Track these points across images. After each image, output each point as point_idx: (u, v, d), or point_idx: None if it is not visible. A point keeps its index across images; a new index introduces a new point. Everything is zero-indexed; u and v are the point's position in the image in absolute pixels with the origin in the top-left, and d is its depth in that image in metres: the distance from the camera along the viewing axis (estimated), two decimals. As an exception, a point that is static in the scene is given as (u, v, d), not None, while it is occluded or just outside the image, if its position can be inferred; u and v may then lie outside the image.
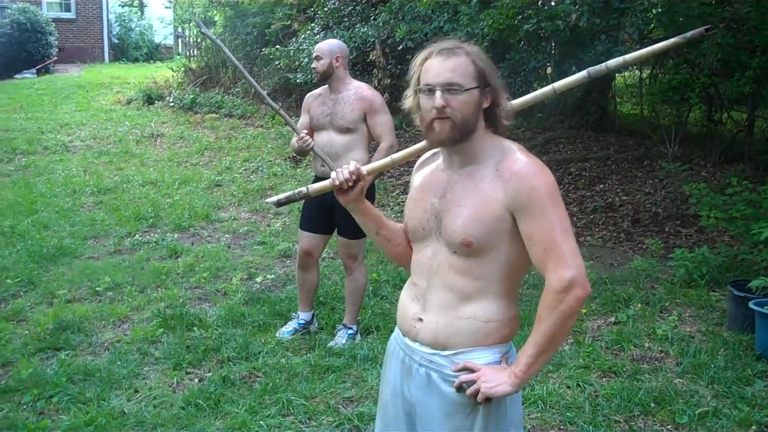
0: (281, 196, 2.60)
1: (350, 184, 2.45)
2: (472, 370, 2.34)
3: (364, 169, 2.51)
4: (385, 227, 2.61)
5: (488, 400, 2.31)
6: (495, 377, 2.31)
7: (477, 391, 2.30)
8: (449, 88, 2.28)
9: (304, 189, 2.57)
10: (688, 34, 2.48)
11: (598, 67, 2.52)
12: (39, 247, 7.34)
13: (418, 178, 2.56)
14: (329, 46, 5.32)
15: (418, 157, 2.62)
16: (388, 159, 2.64)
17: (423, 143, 2.52)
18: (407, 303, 2.51)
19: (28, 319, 5.79)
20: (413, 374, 2.46)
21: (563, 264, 2.23)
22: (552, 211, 2.26)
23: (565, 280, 2.22)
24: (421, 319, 2.43)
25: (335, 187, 2.47)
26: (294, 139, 5.30)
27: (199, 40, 19.14)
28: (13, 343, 5.31)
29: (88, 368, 4.86)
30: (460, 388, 2.34)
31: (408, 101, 2.43)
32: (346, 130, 5.24)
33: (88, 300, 6.21)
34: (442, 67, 2.30)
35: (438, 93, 2.27)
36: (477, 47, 2.40)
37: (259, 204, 9.28)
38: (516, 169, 2.29)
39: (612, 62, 2.52)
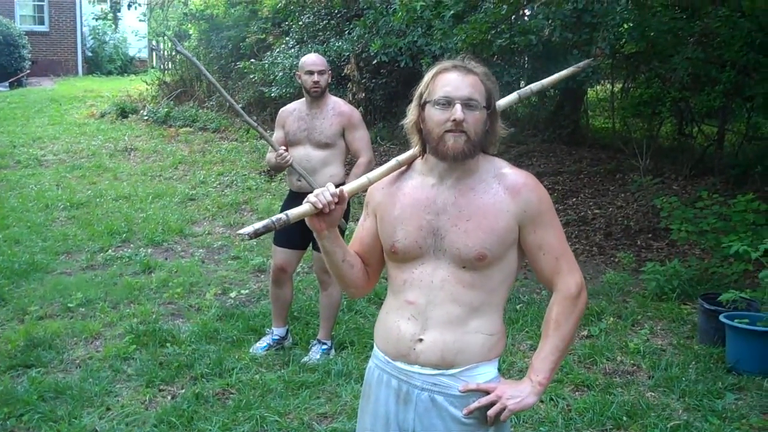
0: (258, 225, 2.27)
1: (332, 207, 2.34)
2: (486, 392, 2.34)
3: (345, 189, 2.40)
4: (348, 252, 2.52)
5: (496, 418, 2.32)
6: (517, 391, 2.33)
7: (501, 411, 2.30)
8: (468, 103, 2.29)
9: (283, 216, 2.31)
10: (581, 64, 3.02)
11: (524, 89, 2.82)
12: (10, 262, 7.27)
13: (388, 197, 2.48)
14: (325, 61, 5.37)
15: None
16: (364, 179, 2.51)
17: (393, 162, 2.51)
18: (400, 325, 2.41)
19: (-2, 336, 5.74)
20: (413, 400, 2.40)
21: (573, 270, 2.40)
22: (556, 221, 2.41)
23: (578, 284, 2.39)
24: (421, 340, 2.37)
25: (314, 211, 2.32)
26: (271, 155, 5.28)
27: (173, 53, 19.10)
28: (-17, 361, 5.26)
29: (59, 386, 4.82)
30: (471, 412, 2.33)
31: (411, 114, 2.42)
32: (324, 146, 5.25)
33: (60, 316, 6.15)
34: (462, 82, 2.31)
35: (458, 106, 2.27)
36: (485, 68, 2.40)
37: (233, 219, 9.26)
38: (521, 182, 2.36)
39: (534, 85, 2.85)
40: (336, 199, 2.33)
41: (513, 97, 2.72)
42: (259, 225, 2.26)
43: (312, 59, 5.32)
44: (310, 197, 2.32)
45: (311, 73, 5.20)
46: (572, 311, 2.38)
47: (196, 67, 5.29)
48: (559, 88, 11.59)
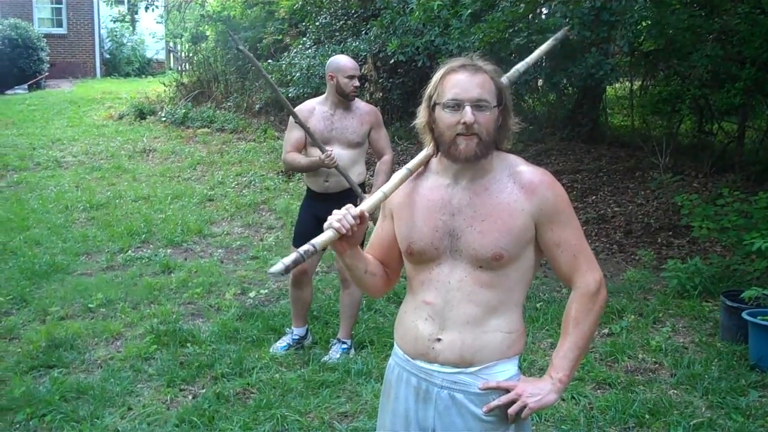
0: (287, 260, 2.22)
1: (355, 229, 2.31)
2: (506, 390, 2.33)
3: (365, 209, 2.37)
4: (370, 263, 2.52)
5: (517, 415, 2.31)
6: (537, 389, 2.32)
7: (521, 409, 2.29)
8: (478, 104, 2.27)
9: (309, 247, 2.26)
10: (558, 34, 2.98)
11: (511, 72, 2.75)
12: (31, 263, 7.31)
13: (404, 199, 2.46)
14: None
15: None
16: (380, 193, 2.46)
17: (404, 171, 2.48)
18: (418, 325, 2.40)
19: (20, 337, 5.76)
20: (432, 398, 2.39)
21: (590, 267, 2.39)
22: (574, 218, 2.38)
23: (597, 281, 2.38)
24: (440, 339, 2.36)
25: (338, 237, 2.29)
26: (295, 155, 5.26)
27: (190, 54, 19.18)
28: (5, 361, 5.28)
29: (81, 386, 4.84)
30: (492, 410, 2.32)
31: (421, 116, 2.39)
32: (355, 145, 5.28)
33: (81, 317, 6.18)
34: (470, 83, 2.28)
35: (468, 109, 2.25)
36: (494, 66, 2.38)
37: (252, 219, 9.28)
38: (537, 180, 2.34)
39: (520, 65, 2.80)
40: (359, 221, 2.32)
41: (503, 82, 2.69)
42: (288, 260, 2.23)
43: (352, 63, 5.31)
44: (333, 223, 2.29)
45: (353, 77, 5.21)
46: (591, 308, 2.36)
47: (255, 66, 5.34)
48: (577, 86, 11.54)
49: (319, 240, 2.29)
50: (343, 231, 2.28)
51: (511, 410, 2.29)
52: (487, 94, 2.28)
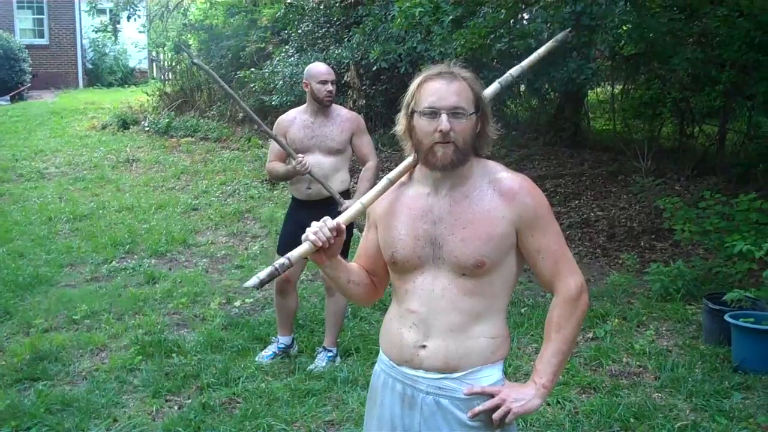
0: (262, 275, 2.28)
1: (332, 241, 2.35)
2: (490, 395, 2.33)
3: (342, 221, 2.40)
4: (353, 272, 2.54)
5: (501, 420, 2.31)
6: (521, 394, 2.32)
7: (506, 414, 2.29)
8: (455, 112, 2.27)
9: (285, 260, 2.32)
10: (558, 36, 2.90)
11: (504, 76, 2.74)
12: (14, 276, 7.28)
13: (387, 208, 2.47)
14: None
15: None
16: (358, 204, 2.49)
17: (384, 181, 2.49)
18: (403, 332, 2.41)
19: (4, 350, 5.73)
20: (418, 404, 2.39)
21: (573, 271, 2.39)
22: (553, 224, 2.39)
23: (578, 286, 2.38)
24: (424, 346, 2.37)
25: (315, 249, 2.34)
26: (276, 164, 5.30)
27: (173, 64, 19.14)
28: (-11, 375, 5.27)
29: (66, 398, 4.82)
30: (476, 415, 2.32)
31: (400, 124, 2.40)
32: (335, 152, 5.28)
33: (65, 329, 6.16)
34: (446, 91, 2.28)
35: (444, 116, 2.26)
36: (471, 73, 2.39)
37: (236, 228, 9.27)
38: (516, 187, 2.34)
39: (513, 70, 2.76)
40: (335, 233, 2.35)
41: (495, 86, 2.67)
42: (263, 275, 2.29)
43: (324, 69, 5.34)
44: (309, 235, 2.33)
45: (325, 82, 5.22)
46: (573, 313, 2.37)
47: (212, 77, 5.33)
48: (559, 90, 11.60)
49: (294, 253, 2.34)
50: (319, 243, 2.33)
51: (496, 415, 2.30)
52: (463, 102, 2.29)
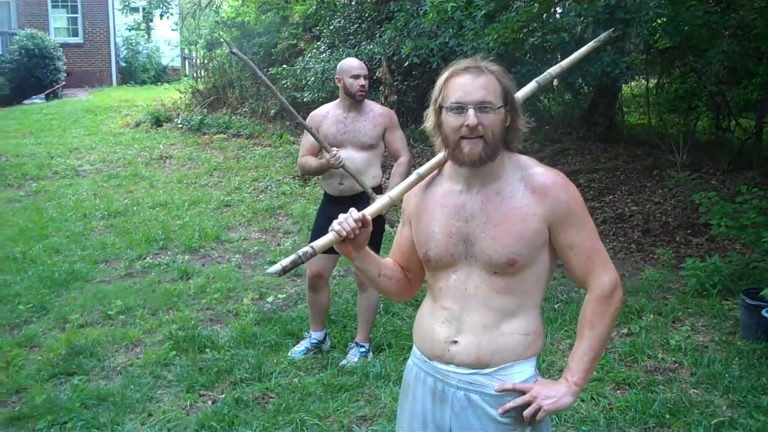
0: (285, 261, 2.34)
1: (357, 233, 2.37)
2: (522, 392, 2.32)
3: (368, 213, 2.42)
4: (384, 266, 2.55)
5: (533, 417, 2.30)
6: (553, 392, 2.31)
7: (536, 411, 2.27)
8: (482, 106, 2.25)
9: (308, 249, 2.36)
10: (601, 37, 2.83)
11: (543, 75, 2.71)
12: (50, 272, 7.36)
13: (421, 204, 2.47)
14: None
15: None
16: (386, 198, 2.52)
17: (414, 176, 2.49)
18: (435, 328, 2.41)
19: (40, 345, 5.79)
20: (449, 399, 2.39)
21: (604, 269, 2.36)
22: (587, 220, 2.35)
23: (612, 282, 2.35)
24: (456, 342, 2.36)
25: (339, 239, 2.36)
26: (309, 158, 5.30)
27: (206, 61, 19.25)
28: (26, 369, 5.31)
29: (101, 393, 4.86)
30: (507, 412, 2.31)
31: (429, 120, 2.39)
32: (368, 147, 5.28)
33: (101, 324, 6.21)
34: (473, 85, 2.26)
35: (471, 111, 2.24)
36: (499, 66, 2.36)
37: (269, 224, 9.29)
38: (549, 183, 2.31)
39: (553, 69, 2.72)
40: (360, 224, 2.36)
41: (532, 85, 2.64)
42: (286, 261, 2.33)
43: (357, 63, 5.34)
44: (334, 225, 2.35)
45: (357, 77, 5.22)
46: (606, 310, 2.34)
47: (249, 67, 5.32)
48: (592, 85, 11.50)
49: (319, 242, 2.37)
50: (343, 234, 2.34)
51: (527, 413, 2.28)
52: (491, 96, 2.27)
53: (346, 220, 2.35)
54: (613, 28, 2.97)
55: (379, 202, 2.50)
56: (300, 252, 2.35)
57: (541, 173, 2.34)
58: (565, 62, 2.74)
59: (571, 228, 2.31)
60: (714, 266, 6.50)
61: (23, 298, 6.68)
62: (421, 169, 2.49)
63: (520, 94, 2.52)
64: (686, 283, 6.60)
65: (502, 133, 2.31)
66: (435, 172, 2.48)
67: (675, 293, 6.53)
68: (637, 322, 5.85)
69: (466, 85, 2.27)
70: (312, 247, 2.36)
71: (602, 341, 2.35)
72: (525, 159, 2.40)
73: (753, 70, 8.67)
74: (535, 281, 2.36)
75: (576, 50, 2.79)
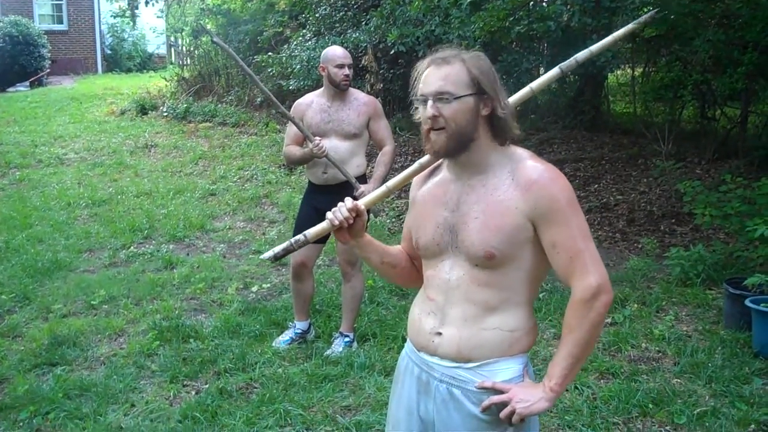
0: (277, 249, 2.41)
1: (350, 222, 2.39)
2: (500, 391, 2.27)
3: (362, 203, 2.43)
4: (387, 254, 2.56)
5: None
6: (529, 395, 2.25)
7: (511, 413, 2.23)
8: (440, 96, 2.24)
9: (301, 237, 2.41)
10: (642, 18, 2.71)
11: (568, 61, 2.62)
12: (33, 261, 7.32)
13: (421, 192, 2.48)
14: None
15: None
16: (384, 188, 2.53)
17: (415, 165, 2.50)
18: (422, 318, 2.42)
19: (23, 335, 5.77)
20: (432, 391, 2.38)
21: (588, 271, 2.23)
22: (573, 219, 2.25)
23: (593, 287, 2.22)
24: (440, 333, 2.35)
25: (334, 228, 2.39)
26: (293, 148, 5.29)
27: (191, 49, 19.16)
28: (8, 360, 5.29)
29: (84, 383, 4.84)
30: (487, 409, 2.27)
31: (417, 113, 2.38)
32: (352, 136, 5.26)
33: (84, 314, 6.18)
34: (433, 76, 2.26)
35: (429, 102, 2.24)
36: (477, 54, 2.34)
37: (254, 213, 9.27)
38: (535, 177, 2.25)
39: (580, 55, 2.62)
40: (354, 213, 2.39)
41: (555, 71, 2.60)
42: (278, 249, 2.39)
43: (341, 52, 5.31)
44: (328, 214, 2.39)
45: (342, 66, 5.19)
46: (585, 315, 2.23)
47: (232, 57, 5.28)
48: (578, 73, 11.50)
49: (312, 231, 2.43)
50: (336, 222, 2.38)
51: (502, 414, 2.24)
52: (449, 86, 2.24)
53: (339, 209, 2.38)
54: (656, 9, 2.87)
55: (377, 192, 2.53)
56: (292, 240, 2.40)
57: (531, 167, 2.28)
58: (595, 47, 2.66)
59: (555, 225, 2.24)
60: (698, 255, 6.52)
61: (6, 288, 6.65)
62: (423, 159, 2.50)
63: (544, 79, 2.52)
64: (670, 273, 6.62)
65: (471, 123, 2.27)
66: (440, 161, 2.47)
67: (659, 282, 6.55)
68: (621, 312, 5.87)
69: (428, 77, 2.28)
70: (305, 235, 2.40)
71: (581, 347, 2.26)
72: (520, 151, 2.35)
73: (738, 59, 8.68)
74: (522, 277, 2.30)
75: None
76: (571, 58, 2.62)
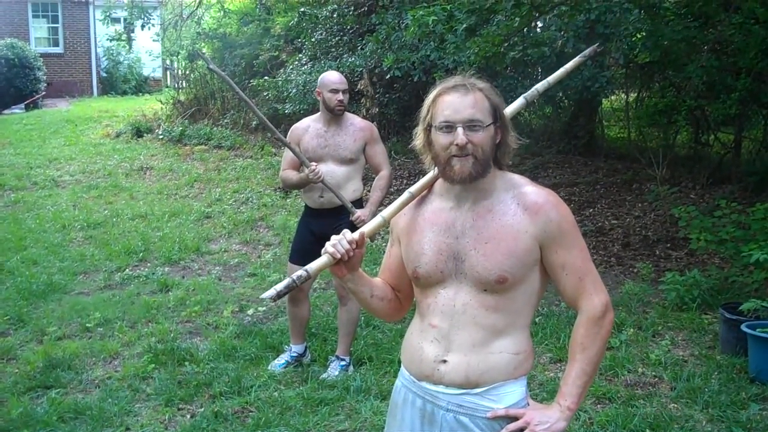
0: (279, 286, 2.31)
1: (351, 254, 2.35)
2: (515, 418, 2.29)
3: (363, 233, 2.40)
4: (376, 287, 2.53)
5: None
6: (546, 417, 2.29)
7: None
8: (471, 124, 2.25)
9: (302, 272, 2.33)
10: (586, 52, 2.84)
11: (530, 91, 2.71)
12: (28, 283, 7.30)
13: (410, 222, 2.46)
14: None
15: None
16: (379, 218, 2.48)
17: (406, 195, 2.47)
18: (424, 347, 2.39)
19: (17, 358, 5.74)
20: (438, 421, 2.36)
21: (598, 289, 2.34)
22: (579, 240, 2.34)
23: (603, 305, 2.34)
24: (445, 361, 2.34)
25: (334, 262, 2.34)
26: (290, 173, 5.31)
27: (187, 72, 19.19)
28: (3, 382, 5.27)
29: (78, 406, 4.82)
30: None
31: (418, 139, 2.38)
32: (348, 161, 5.28)
33: (79, 336, 6.16)
34: (461, 103, 2.26)
35: (460, 130, 2.24)
36: (488, 83, 2.37)
37: (249, 235, 9.27)
38: (541, 201, 2.30)
39: (540, 85, 2.73)
40: (354, 245, 2.35)
41: (520, 101, 2.64)
42: (280, 286, 2.30)
43: (336, 77, 5.34)
44: (328, 248, 2.34)
45: (336, 91, 5.21)
46: (597, 332, 2.32)
47: (227, 83, 5.30)
48: (573, 98, 11.56)
49: (313, 265, 2.35)
50: (338, 256, 2.32)
51: None
52: (479, 114, 2.27)
53: (339, 242, 2.33)
54: (598, 43, 2.99)
55: (373, 223, 2.49)
56: (294, 276, 2.32)
57: (534, 192, 2.33)
58: (551, 77, 2.74)
59: (563, 248, 2.30)
60: (693, 280, 6.53)
61: (0, 310, 6.61)
62: (413, 188, 2.48)
63: (509, 110, 2.52)
64: (666, 297, 6.62)
65: (492, 150, 2.32)
66: (424, 192, 2.47)
67: (655, 307, 6.56)
68: (617, 336, 5.86)
69: (454, 104, 2.27)
70: (306, 270, 2.33)
71: (594, 364, 2.34)
72: (517, 177, 2.40)
73: (731, 84, 8.75)
74: (526, 301, 2.34)
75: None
76: (533, 88, 2.72)
